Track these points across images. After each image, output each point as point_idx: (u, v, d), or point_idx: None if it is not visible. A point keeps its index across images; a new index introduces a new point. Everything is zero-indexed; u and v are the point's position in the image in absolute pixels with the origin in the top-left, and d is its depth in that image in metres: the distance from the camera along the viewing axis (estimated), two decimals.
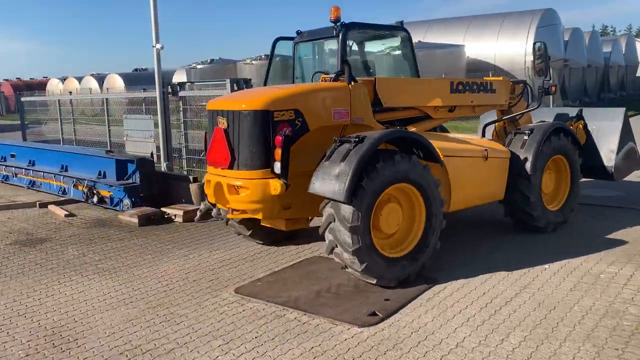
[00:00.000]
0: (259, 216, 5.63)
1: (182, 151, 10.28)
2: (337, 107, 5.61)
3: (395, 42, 6.96)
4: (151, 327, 4.56)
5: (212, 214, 6.87)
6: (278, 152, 5.22)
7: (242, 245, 6.77)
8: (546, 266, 5.63)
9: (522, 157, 6.42)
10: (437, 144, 5.65)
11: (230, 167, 5.50)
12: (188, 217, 8.02)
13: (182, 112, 10.03)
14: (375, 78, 6.08)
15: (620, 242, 6.32)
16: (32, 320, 4.78)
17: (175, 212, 8.11)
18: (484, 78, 7.40)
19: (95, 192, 8.99)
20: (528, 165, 6.38)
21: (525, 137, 6.53)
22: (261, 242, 6.67)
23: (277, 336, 4.29)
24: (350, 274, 5.26)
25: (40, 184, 10.55)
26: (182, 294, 5.27)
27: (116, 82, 37.87)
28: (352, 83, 5.71)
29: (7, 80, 50.93)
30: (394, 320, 4.52)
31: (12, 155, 11.70)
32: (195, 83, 11.18)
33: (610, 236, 6.60)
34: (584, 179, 7.53)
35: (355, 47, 7.04)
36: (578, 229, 6.97)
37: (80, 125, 14.10)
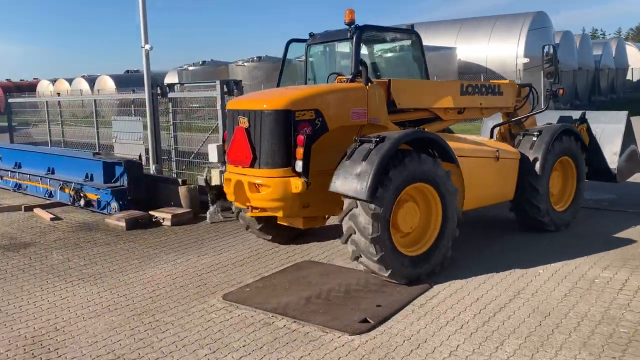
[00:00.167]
0: (279, 214, 5.70)
1: (172, 153, 10.12)
2: (355, 107, 5.71)
3: (406, 44, 7.09)
4: (135, 335, 4.42)
5: (232, 210, 6.92)
6: (300, 151, 5.32)
7: (231, 250, 6.63)
8: (540, 270, 5.55)
9: (531, 157, 6.56)
10: (451, 145, 5.75)
11: (252, 166, 5.59)
12: (177, 220, 7.88)
13: (171, 114, 9.87)
14: (389, 79, 6.14)
15: (614, 246, 6.25)
16: (12, 328, 4.62)
17: (163, 215, 7.96)
18: (490, 81, 7.52)
19: (82, 195, 8.82)
20: (537, 166, 6.51)
21: (534, 139, 6.66)
22: (273, 240, 6.71)
23: (265, 345, 4.17)
24: (341, 280, 5.14)
25: (27, 187, 10.37)
26: (169, 301, 5.13)
27: (107, 84, 37.61)
28: (369, 84, 5.81)
29: None
30: (386, 327, 4.41)
31: None
32: (185, 84, 11.02)
33: (603, 239, 6.52)
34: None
35: (364, 49, 7.07)
36: (571, 232, 6.90)
37: (69, 127, 13.91)
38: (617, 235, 6.72)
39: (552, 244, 6.41)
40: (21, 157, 10.81)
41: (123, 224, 7.71)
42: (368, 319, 4.51)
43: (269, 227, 6.47)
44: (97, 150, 11.44)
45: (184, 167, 9.97)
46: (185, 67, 34.06)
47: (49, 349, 4.22)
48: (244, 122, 5.66)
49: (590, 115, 7.72)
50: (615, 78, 37.32)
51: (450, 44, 26.47)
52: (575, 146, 7.06)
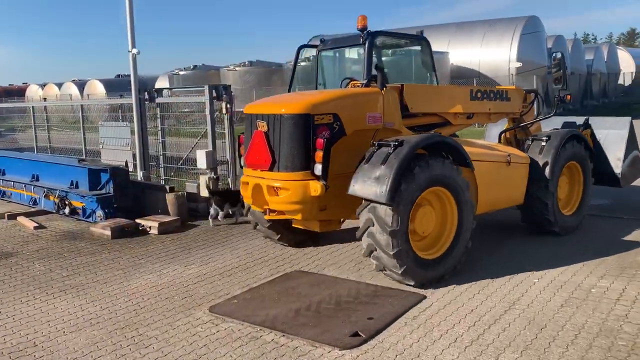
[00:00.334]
0: (298, 217, 5.74)
1: (160, 159, 9.92)
2: (371, 111, 5.79)
3: (416, 50, 7.15)
4: (117, 351, 4.24)
5: (234, 215, 6.93)
6: (319, 154, 5.38)
7: (219, 259, 6.46)
8: (536, 280, 5.41)
9: (541, 162, 6.64)
10: (466, 149, 5.81)
11: (271, 169, 5.63)
12: (164, 229, 7.69)
13: (159, 119, 9.68)
14: (402, 84, 6.17)
15: (610, 253, 6.13)
16: None
17: (150, 223, 7.77)
18: (497, 87, 7.63)
19: (67, 202, 8.61)
20: (547, 170, 6.60)
21: (543, 143, 6.75)
22: (286, 244, 6.75)
23: None
24: (332, 291, 4.98)
25: (11, 194, 10.14)
26: (153, 313, 4.95)
27: (97, 88, 37.33)
28: (384, 89, 5.86)
29: None
30: (378, 341, 4.25)
31: None
32: (173, 89, 10.85)
33: (599, 247, 6.41)
34: None
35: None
36: (566, 239, 6.78)
37: (56, 132, 13.67)
38: (613, 242, 6.61)
39: (547, 252, 6.29)
40: (5, 164, 10.59)
41: (108, 232, 7.52)
42: (359, 333, 4.35)
43: (281, 229, 6.53)
44: (84, 157, 11.21)
45: (172, 173, 9.77)
46: (176, 71, 33.90)
47: None
48: (262, 126, 5.69)
49: (594, 120, 7.83)
50: (607, 82, 37.49)
51: (443, 48, 26.45)
52: (582, 151, 7.17)
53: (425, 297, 5.05)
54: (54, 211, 8.89)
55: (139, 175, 9.48)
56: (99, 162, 10.10)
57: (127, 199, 8.31)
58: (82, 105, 11.90)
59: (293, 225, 6.31)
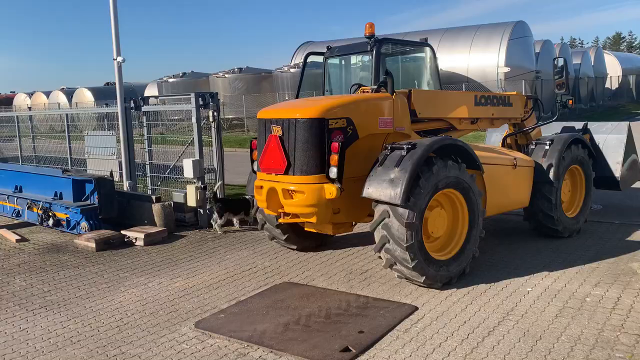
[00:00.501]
0: (312, 220, 5.74)
1: (146, 168, 9.74)
2: (383, 116, 5.89)
3: (421, 56, 7.25)
4: None
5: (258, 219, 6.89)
6: (334, 158, 5.44)
7: (206, 271, 6.30)
8: (529, 288, 5.31)
9: (545, 165, 6.77)
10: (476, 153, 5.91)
11: (286, 173, 5.66)
12: (150, 240, 7.52)
13: (145, 128, 9.51)
14: (410, 90, 6.25)
15: (603, 260, 6.05)
16: None
17: (136, 235, 7.59)
18: (499, 92, 7.74)
19: (50, 214, 8.41)
20: (551, 173, 6.72)
21: (547, 147, 6.89)
22: (292, 246, 6.83)
23: None
24: (322, 303, 4.84)
25: None
26: (137, 330, 4.78)
27: (85, 97, 37.00)
28: (394, 94, 5.95)
29: None
30: (369, 356, 4.12)
31: None
32: (159, 97, 10.69)
33: (592, 253, 6.33)
34: None
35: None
36: (559, 245, 6.70)
37: (42, 141, 13.42)
38: (605, 248, 6.53)
39: (540, 259, 6.20)
40: None
41: (93, 244, 7.33)
42: (349, 347, 4.22)
43: (289, 230, 6.57)
44: (69, 167, 10.99)
45: (159, 183, 9.59)
46: (165, 79, 33.70)
47: None
48: (277, 130, 5.73)
49: (592, 125, 7.99)
50: (594, 86, 37.70)
51: None
52: (584, 155, 7.27)
53: (417, 309, 4.93)
54: (38, 223, 8.69)
55: (125, 185, 9.30)
56: (84, 172, 9.91)
57: (112, 210, 8.12)
58: (67, 114, 11.67)
59: (305, 229, 6.32)
